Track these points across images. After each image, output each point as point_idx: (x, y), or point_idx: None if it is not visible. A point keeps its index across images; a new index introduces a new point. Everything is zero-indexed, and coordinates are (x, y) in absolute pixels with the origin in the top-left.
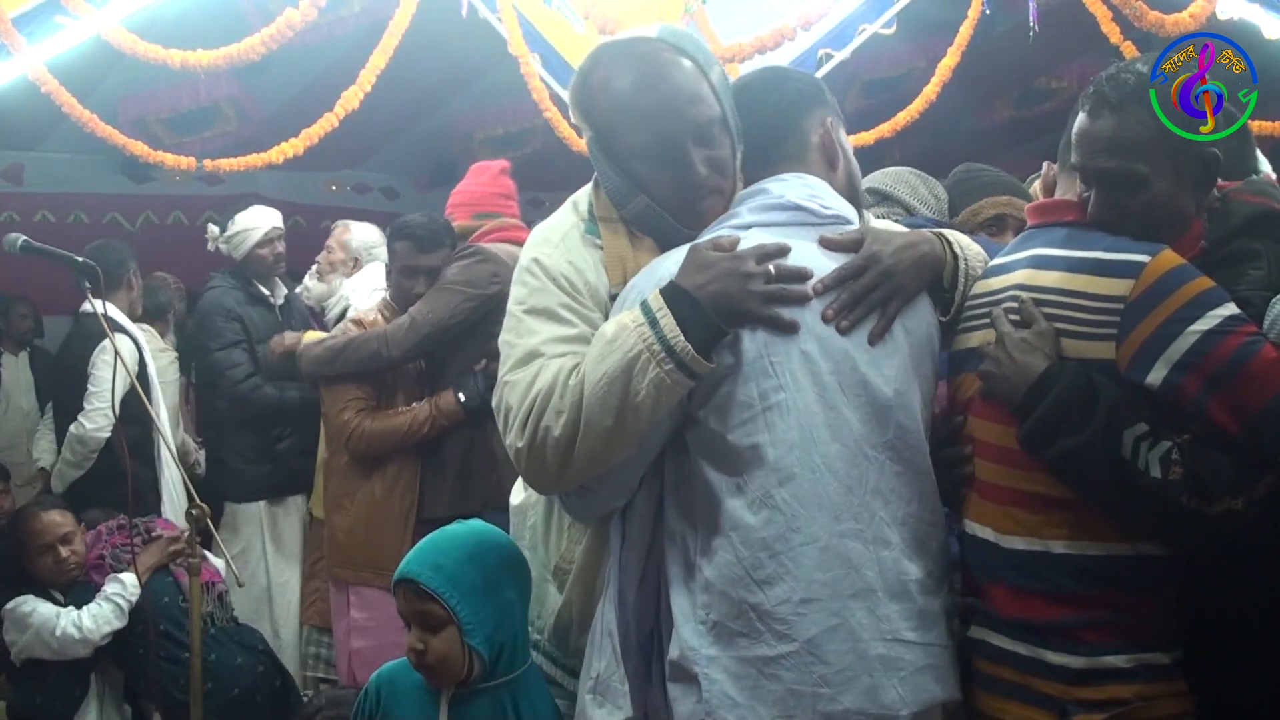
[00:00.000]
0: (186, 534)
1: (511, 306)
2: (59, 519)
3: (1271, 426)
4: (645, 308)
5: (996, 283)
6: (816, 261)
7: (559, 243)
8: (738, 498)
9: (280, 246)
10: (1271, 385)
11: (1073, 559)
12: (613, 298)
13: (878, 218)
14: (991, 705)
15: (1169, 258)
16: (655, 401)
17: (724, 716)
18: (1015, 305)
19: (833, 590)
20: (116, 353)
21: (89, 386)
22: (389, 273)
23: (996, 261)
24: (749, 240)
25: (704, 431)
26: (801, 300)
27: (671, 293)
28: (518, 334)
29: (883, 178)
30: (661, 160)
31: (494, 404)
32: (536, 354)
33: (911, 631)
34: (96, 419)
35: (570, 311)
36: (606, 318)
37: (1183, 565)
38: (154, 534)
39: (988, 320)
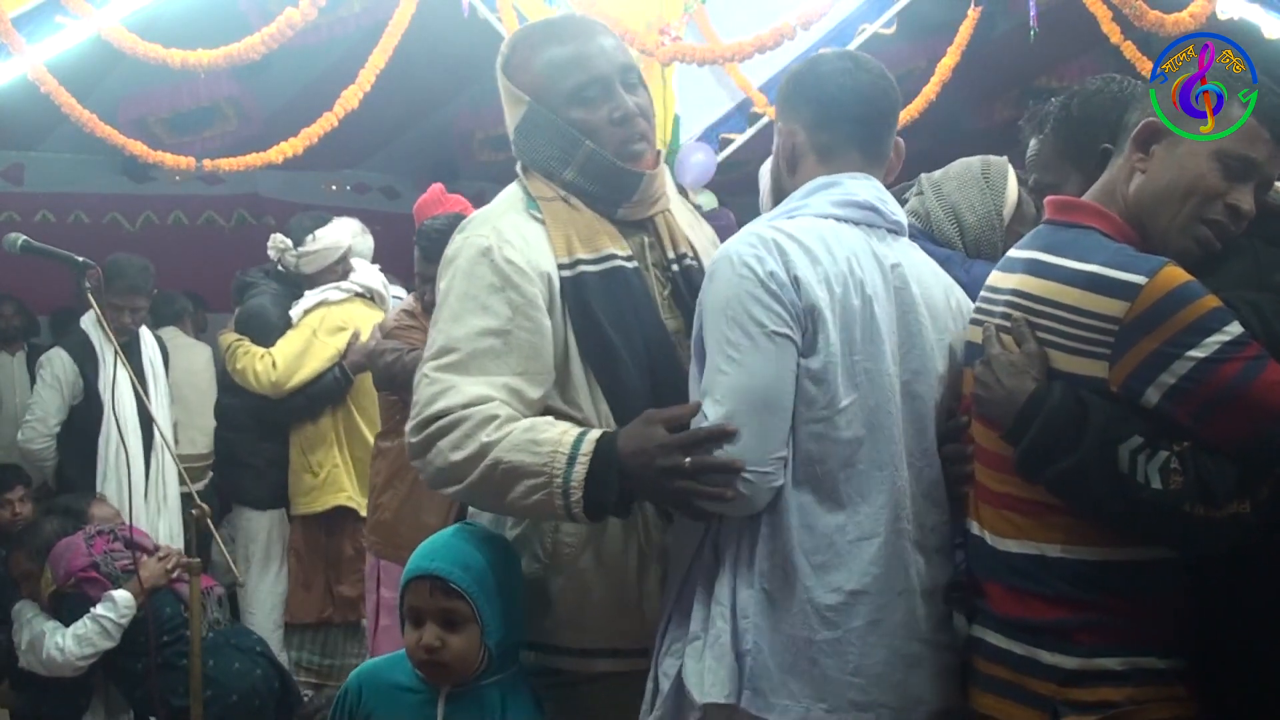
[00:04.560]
0: (178, 554)
1: (443, 288)
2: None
3: (1261, 453)
4: (578, 441)
5: (1003, 280)
6: (870, 264)
7: (498, 220)
8: (804, 488)
9: (349, 261)
10: (1262, 413)
11: (1068, 563)
12: (560, 267)
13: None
14: (986, 704)
15: (1167, 278)
16: (529, 511)
17: (759, 685)
18: (1007, 322)
19: (882, 585)
20: None
21: (30, 399)
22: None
23: (1012, 252)
24: (837, 230)
25: None
26: (720, 497)
27: (604, 445)
28: (446, 320)
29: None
30: (596, 99)
31: (415, 382)
32: (453, 349)
33: (936, 633)
34: (26, 431)
35: (498, 297)
36: (546, 290)
37: (1182, 571)
38: (133, 542)
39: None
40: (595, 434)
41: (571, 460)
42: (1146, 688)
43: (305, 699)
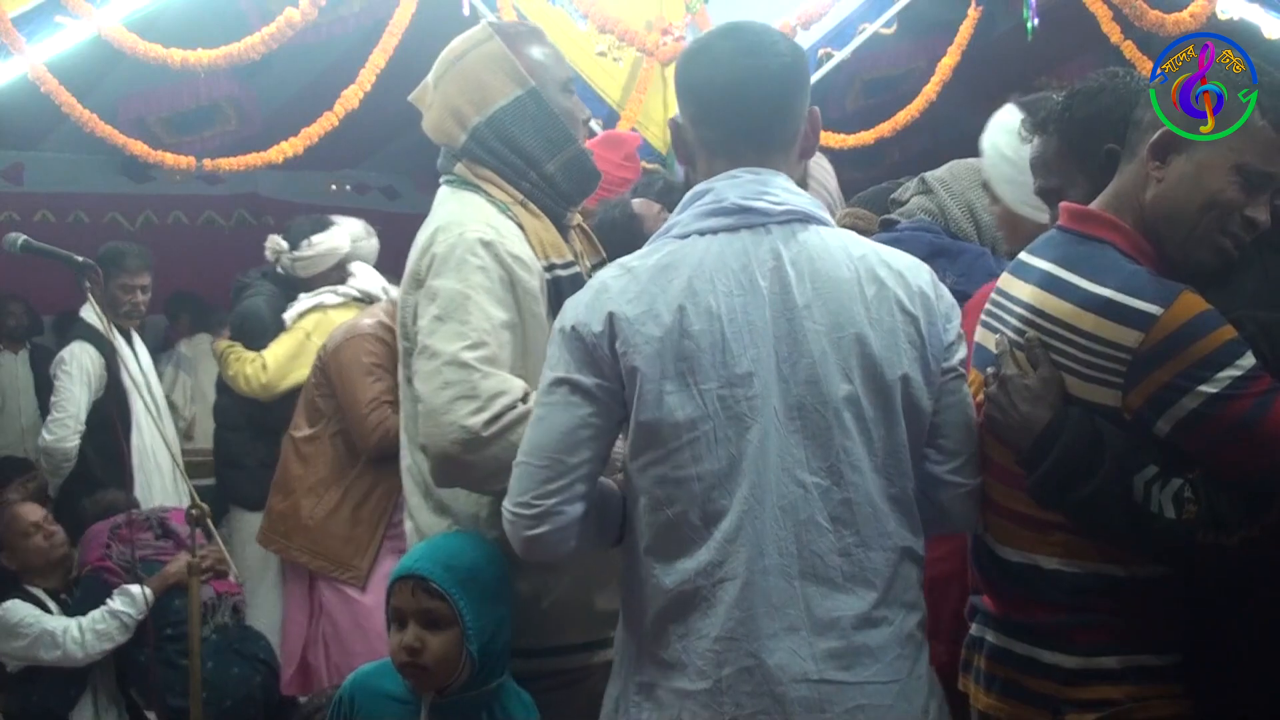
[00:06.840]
0: (211, 558)
1: (451, 286)
2: (28, 509)
3: (1269, 485)
4: None
5: (1016, 288)
6: (727, 279)
7: (488, 218)
8: (669, 530)
9: (347, 266)
10: (1271, 449)
11: (1064, 575)
12: (546, 269)
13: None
14: (987, 703)
15: (1182, 308)
16: None
17: None
18: (1020, 337)
19: (749, 630)
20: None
21: (52, 397)
22: None
23: (1024, 257)
24: (688, 248)
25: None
26: None
27: None
28: (473, 311)
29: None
30: (574, 94)
31: (443, 374)
32: (487, 341)
33: (841, 671)
34: (56, 429)
35: (509, 292)
36: (540, 283)
37: (1178, 584)
38: (169, 527)
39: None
40: None
41: None
42: (1145, 685)
43: (303, 699)
